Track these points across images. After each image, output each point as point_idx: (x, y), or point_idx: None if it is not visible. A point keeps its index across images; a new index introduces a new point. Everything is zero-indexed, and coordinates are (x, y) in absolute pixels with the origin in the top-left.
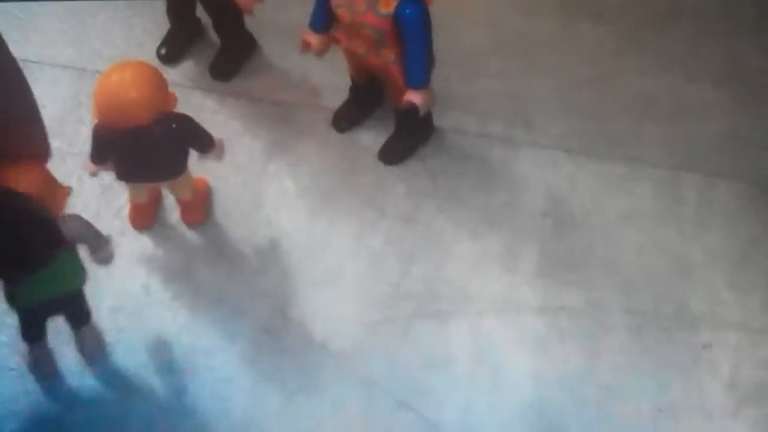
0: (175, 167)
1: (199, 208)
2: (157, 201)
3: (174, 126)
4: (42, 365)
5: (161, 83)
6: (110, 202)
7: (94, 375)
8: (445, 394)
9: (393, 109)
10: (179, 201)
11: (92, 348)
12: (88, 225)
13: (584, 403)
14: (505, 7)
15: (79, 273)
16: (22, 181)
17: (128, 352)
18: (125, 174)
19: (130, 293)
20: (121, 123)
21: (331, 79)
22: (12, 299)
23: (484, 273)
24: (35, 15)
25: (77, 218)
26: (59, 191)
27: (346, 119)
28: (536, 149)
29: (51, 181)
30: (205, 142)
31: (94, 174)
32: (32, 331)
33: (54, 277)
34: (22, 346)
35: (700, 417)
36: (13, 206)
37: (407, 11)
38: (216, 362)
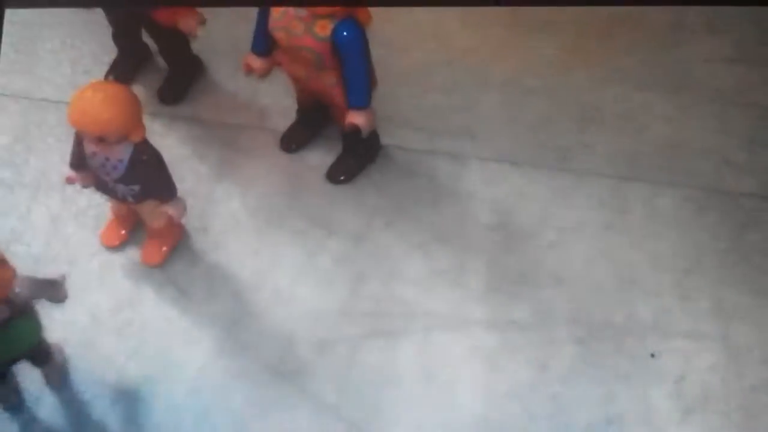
0: (139, 194)
1: (160, 247)
2: (131, 222)
3: (144, 158)
4: (7, 399)
5: (136, 110)
6: (59, 231)
7: (47, 407)
8: (397, 413)
9: (339, 130)
10: (148, 230)
11: (56, 380)
12: (39, 282)
13: (534, 416)
14: (452, 21)
15: (36, 331)
16: None
17: (78, 383)
18: (99, 185)
19: (78, 323)
20: (89, 136)
21: (279, 100)
22: None
23: (433, 289)
24: None
25: (27, 281)
26: (6, 272)
27: (294, 140)
28: (484, 163)
29: None
30: (164, 188)
31: (71, 182)
32: None
33: (11, 340)
34: None
35: (648, 426)
36: None
37: (344, 34)
38: (165, 390)
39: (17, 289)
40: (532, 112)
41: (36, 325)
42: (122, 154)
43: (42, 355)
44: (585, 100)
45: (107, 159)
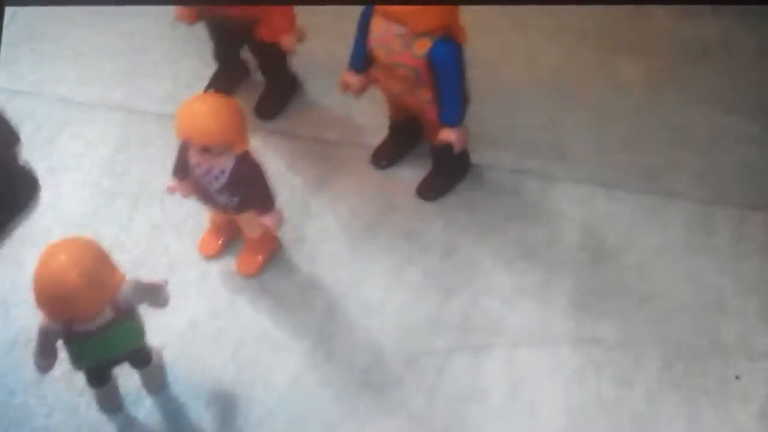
0: (239, 204)
1: (256, 258)
2: (229, 232)
3: (245, 169)
4: (107, 401)
5: (241, 123)
6: (159, 239)
7: (145, 409)
8: (482, 426)
9: (430, 146)
10: (245, 241)
11: (155, 383)
12: (143, 286)
13: None
14: (542, 41)
15: (138, 333)
16: None
17: (175, 386)
18: (201, 195)
19: (177, 329)
20: (194, 146)
21: (372, 117)
22: (74, 361)
23: (520, 305)
24: (85, 55)
25: (131, 284)
26: (114, 275)
27: (386, 156)
28: (572, 183)
29: (108, 262)
30: (263, 199)
31: (172, 191)
32: (97, 380)
33: (114, 342)
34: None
35: None
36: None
37: (441, 52)
38: (259, 396)
39: (125, 290)
40: (619, 133)
41: (138, 328)
42: (225, 164)
43: (142, 357)
44: (672, 122)
45: (210, 169)
